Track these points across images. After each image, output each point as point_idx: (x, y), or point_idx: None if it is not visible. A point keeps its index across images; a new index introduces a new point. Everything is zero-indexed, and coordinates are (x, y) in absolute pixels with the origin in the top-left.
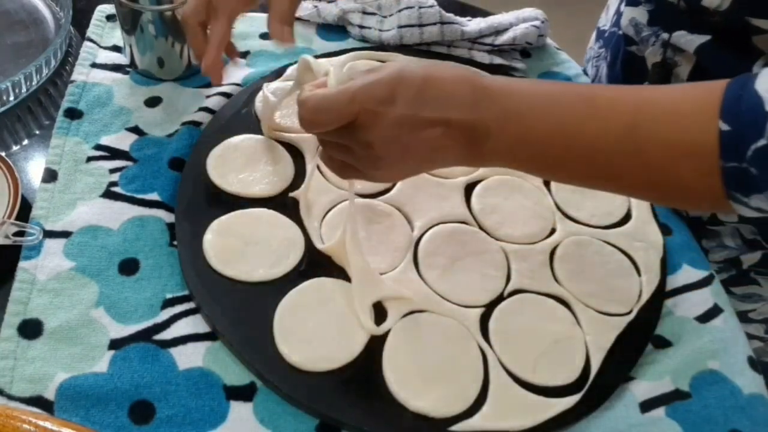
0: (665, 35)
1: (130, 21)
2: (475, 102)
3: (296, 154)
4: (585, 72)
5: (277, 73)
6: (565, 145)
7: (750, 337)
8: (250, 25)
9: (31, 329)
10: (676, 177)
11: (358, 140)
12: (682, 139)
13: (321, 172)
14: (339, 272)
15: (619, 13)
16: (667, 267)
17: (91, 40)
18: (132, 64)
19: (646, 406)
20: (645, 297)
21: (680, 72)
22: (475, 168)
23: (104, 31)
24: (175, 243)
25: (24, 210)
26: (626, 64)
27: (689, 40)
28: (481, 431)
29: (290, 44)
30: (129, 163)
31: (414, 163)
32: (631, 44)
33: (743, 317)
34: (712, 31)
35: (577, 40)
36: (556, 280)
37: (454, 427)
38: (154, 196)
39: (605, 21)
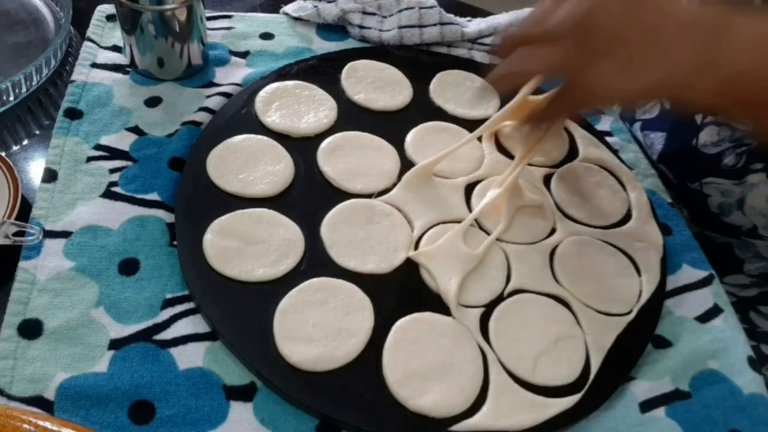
0: None
1: (130, 21)
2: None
3: (296, 154)
4: None
5: (278, 73)
6: None
7: None
8: (250, 25)
9: (31, 329)
10: None
11: (567, 14)
12: None
13: None
14: (339, 272)
15: None
16: (667, 267)
17: (91, 40)
18: (132, 64)
19: (646, 406)
20: (645, 297)
21: None
22: (476, 168)
23: (104, 31)
24: (175, 243)
25: (24, 210)
26: None
27: None
28: (481, 431)
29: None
30: (129, 163)
31: (638, 51)
32: None
33: (767, 339)
34: None
35: None
36: (556, 280)
37: (454, 427)
38: (154, 196)
39: None
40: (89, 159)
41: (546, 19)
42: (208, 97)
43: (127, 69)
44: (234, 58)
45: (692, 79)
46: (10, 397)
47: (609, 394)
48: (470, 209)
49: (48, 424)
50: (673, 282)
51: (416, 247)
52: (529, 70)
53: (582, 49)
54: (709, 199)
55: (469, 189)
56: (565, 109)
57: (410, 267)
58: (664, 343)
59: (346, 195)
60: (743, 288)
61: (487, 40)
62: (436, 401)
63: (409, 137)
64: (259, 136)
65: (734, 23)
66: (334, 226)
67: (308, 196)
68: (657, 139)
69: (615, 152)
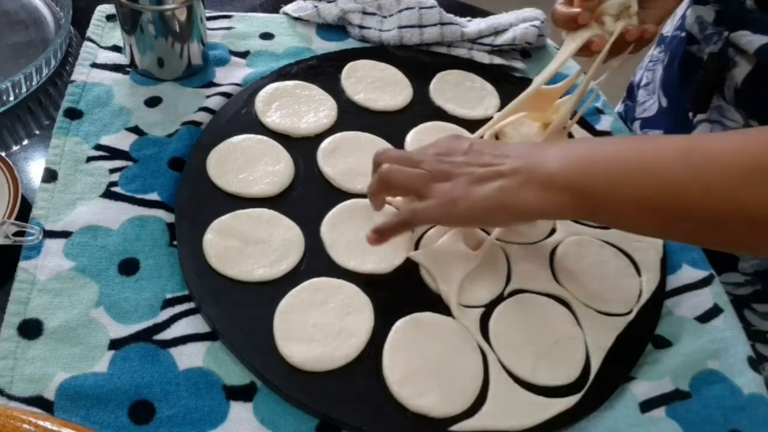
0: (727, 33)
1: (130, 21)
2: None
3: (296, 154)
4: (637, 85)
5: (278, 73)
6: (625, 162)
7: (765, 359)
8: (250, 25)
9: (31, 329)
10: (739, 200)
11: (428, 156)
12: (739, 160)
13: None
14: (339, 272)
15: (684, 17)
16: (667, 267)
17: (91, 40)
18: (132, 64)
19: (646, 406)
20: (645, 297)
21: (736, 74)
22: None
23: (104, 31)
24: (175, 243)
25: (24, 210)
26: (684, 64)
27: (750, 41)
28: (481, 431)
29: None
30: (129, 163)
31: (476, 176)
32: (693, 43)
33: (762, 338)
34: None
35: None
36: (556, 280)
37: (454, 427)
38: (154, 196)
39: (669, 27)
40: (89, 159)
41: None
42: (208, 97)
43: (127, 69)
44: (234, 58)
45: (524, 195)
46: (10, 397)
47: (609, 394)
48: None
49: (48, 424)
50: (673, 282)
51: (416, 247)
52: (399, 181)
53: (438, 175)
54: None
55: None
56: (425, 218)
57: (410, 267)
58: (664, 343)
59: (346, 195)
60: (738, 286)
61: (487, 40)
62: (436, 401)
63: (409, 137)
64: (259, 136)
65: (551, 147)
66: (334, 226)
67: (308, 196)
68: None
69: None
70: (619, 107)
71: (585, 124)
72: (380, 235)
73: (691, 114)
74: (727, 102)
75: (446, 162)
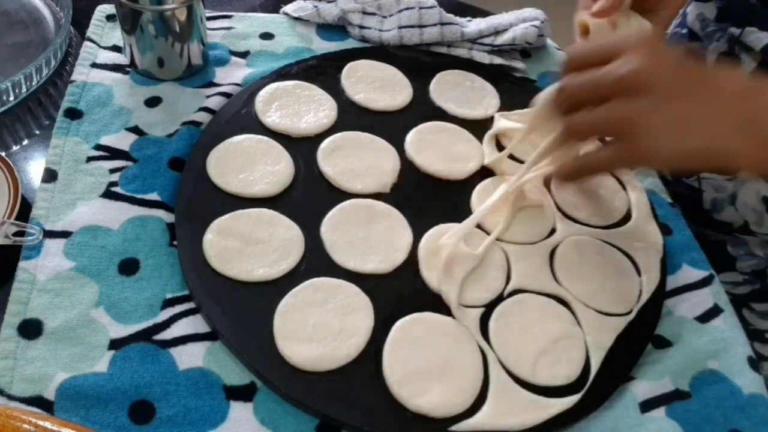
0: (734, 30)
1: (130, 21)
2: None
3: (296, 154)
4: None
5: (278, 73)
6: None
7: (763, 359)
8: (250, 25)
9: (31, 329)
10: None
11: (621, 71)
12: None
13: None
14: (339, 272)
15: (685, 14)
16: (667, 267)
17: (91, 40)
18: (132, 64)
19: (646, 406)
20: (645, 297)
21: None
22: (476, 168)
23: (104, 31)
24: (175, 243)
25: (24, 210)
26: None
27: (757, 38)
28: (481, 431)
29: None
30: (129, 163)
31: (685, 112)
32: (694, 40)
33: (760, 337)
34: None
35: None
36: (556, 280)
37: (454, 427)
38: (154, 196)
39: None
40: (89, 159)
41: (592, 77)
42: (208, 97)
43: (127, 69)
44: (234, 58)
45: (736, 143)
46: (10, 397)
47: (609, 394)
48: (471, 209)
49: (48, 424)
50: (673, 282)
51: (416, 247)
52: (585, 124)
53: (634, 102)
54: (703, 195)
55: (469, 189)
56: (614, 166)
57: (410, 267)
58: (664, 343)
59: (346, 195)
60: (736, 285)
61: (487, 40)
62: (436, 401)
63: (409, 137)
64: (259, 136)
65: None
66: (334, 226)
67: (308, 196)
68: None
69: None
70: None
71: None
72: (561, 177)
73: None
74: None
75: (643, 83)
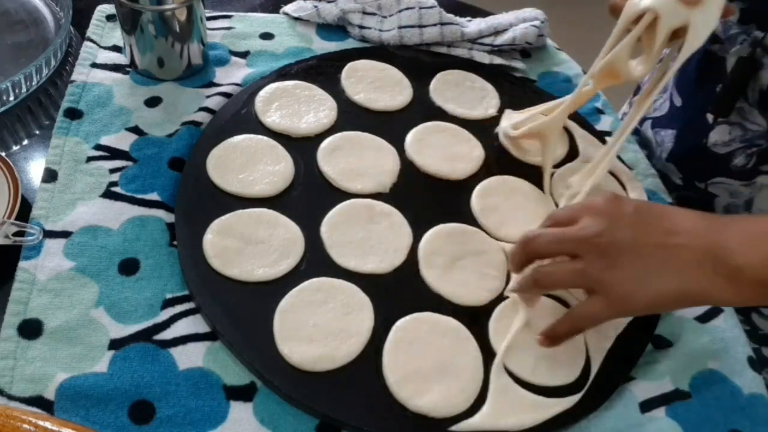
0: (758, 33)
1: (130, 21)
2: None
3: (296, 154)
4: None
5: (278, 73)
6: None
7: None
8: (250, 25)
9: (31, 329)
10: None
11: (585, 233)
12: None
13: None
14: (339, 272)
15: None
16: None
17: (91, 40)
18: (132, 64)
19: (646, 406)
20: None
21: (762, 76)
22: (476, 167)
23: (104, 31)
24: (175, 243)
25: (24, 210)
26: (703, 63)
27: None
28: (481, 431)
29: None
30: (129, 163)
31: (652, 265)
32: (714, 42)
33: None
34: None
35: (577, 40)
36: None
37: (454, 427)
38: (154, 196)
39: None
40: (89, 159)
41: (558, 236)
42: (208, 97)
43: (127, 69)
44: (234, 58)
45: (705, 281)
46: (10, 397)
47: (609, 394)
48: (470, 209)
49: (48, 424)
50: None
51: (416, 247)
52: (555, 281)
53: (600, 262)
54: (716, 200)
55: (470, 189)
56: (600, 319)
57: (410, 267)
58: (664, 343)
59: (346, 195)
60: None
61: (487, 40)
62: (436, 401)
63: (409, 137)
64: (259, 136)
65: (729, 226)
66: (334, 226)
67: (308, 196)
68: (667, 137)
69: None
70: (626, 108)
71: (584, 124)
72: (551, 340)
73: (710, 116)
74: (750, 104)
75: (605, 244)
